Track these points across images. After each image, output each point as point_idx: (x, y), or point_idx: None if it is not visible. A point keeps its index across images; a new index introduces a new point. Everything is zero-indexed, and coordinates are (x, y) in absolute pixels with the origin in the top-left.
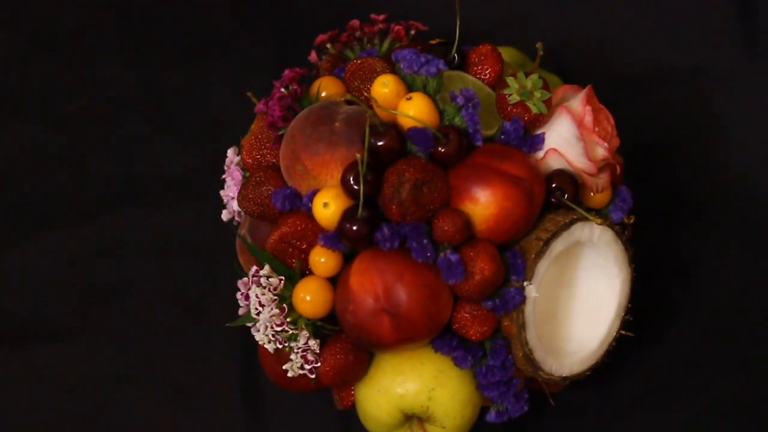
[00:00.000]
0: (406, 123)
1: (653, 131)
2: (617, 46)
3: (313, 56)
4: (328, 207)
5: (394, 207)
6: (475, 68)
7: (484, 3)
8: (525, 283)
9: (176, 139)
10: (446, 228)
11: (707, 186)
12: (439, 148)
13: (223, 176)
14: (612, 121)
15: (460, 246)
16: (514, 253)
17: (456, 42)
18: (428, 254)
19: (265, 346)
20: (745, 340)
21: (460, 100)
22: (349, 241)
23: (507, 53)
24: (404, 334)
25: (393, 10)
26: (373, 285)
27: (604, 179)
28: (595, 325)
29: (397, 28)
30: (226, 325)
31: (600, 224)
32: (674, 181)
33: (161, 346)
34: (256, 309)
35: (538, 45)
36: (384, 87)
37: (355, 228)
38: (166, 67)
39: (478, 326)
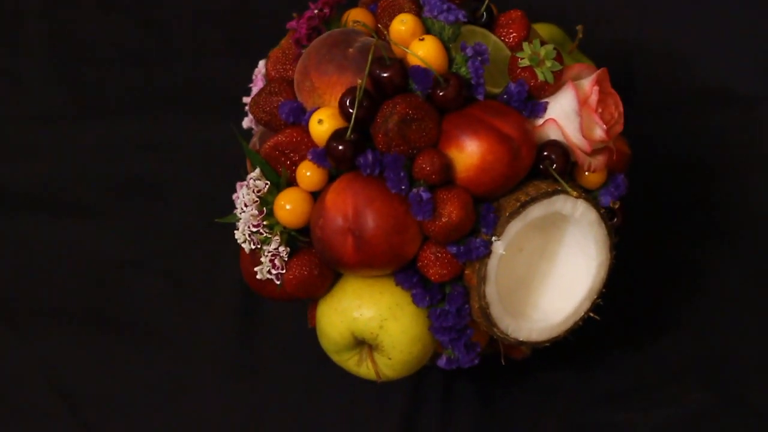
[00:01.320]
0: (414, 62)
1: (698, 150)
2: (683, 62)
3: None
4: (322, 124)
5: (380, 136)
6: (501, 30)
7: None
8: (493, 238)
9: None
10: (425, 166)
11: (736, 211)
12: (438, 92)
13: (250, 84)
14: (620, 108)
15: (437, 187)
16: (488, 207)
17: (486, 2)
18: (402, 187)
19: (242, 245)
20: (728, 358)
21: (470, 52)
22: (333, 159)
23: (547, 29)
24: (364, 257)
25: None
26: (345, 205)
27: (599, 161)
28: (563, 301)
29: None
30: (216, 220)
31: (576, 197)
32: (705, 200)
33: (177, 242)
34: (241, 209)
35: (578, 27)
36: (402, 24)
37: (341, 148)
38: None
39: (439, 268)
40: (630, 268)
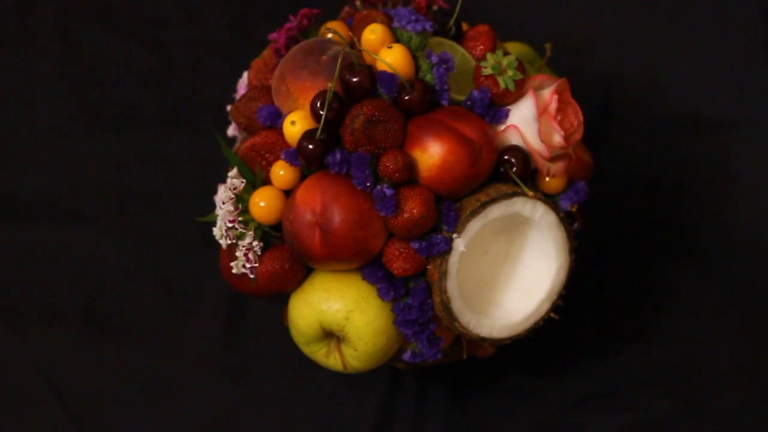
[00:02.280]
0: (382, 68)
1: (670, 172)
2: (658, 89)
3: (346, 9)
4: (294, 125)
5: (347, 136)
6: (469, 43)
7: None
8: (454, 235)
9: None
10: (388, 164)
11: (711, 229)
12: (404, 96)
13: (234, 94)
14: (580, 117)
15: (400, 185)
16: (449, 205)
17: (456, 15)
18: (367, 184)
19: (219, 240)
20: (692, 366)
21: (435, 59)
22: (304, 158)
23: (518, 47)
24: (330, 250)
25: None
26: (314, 200)
27: (558, 166)
28: (524, 301)
29: None
30: (197, 219)
31: (533, 197)
32: (675, 219)
33: (170, 250)
34: (219, 206)
35: (547, 45)
36: (372, 33)
37: (311, 147)
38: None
39: (402, 263)
40: (600, 280)
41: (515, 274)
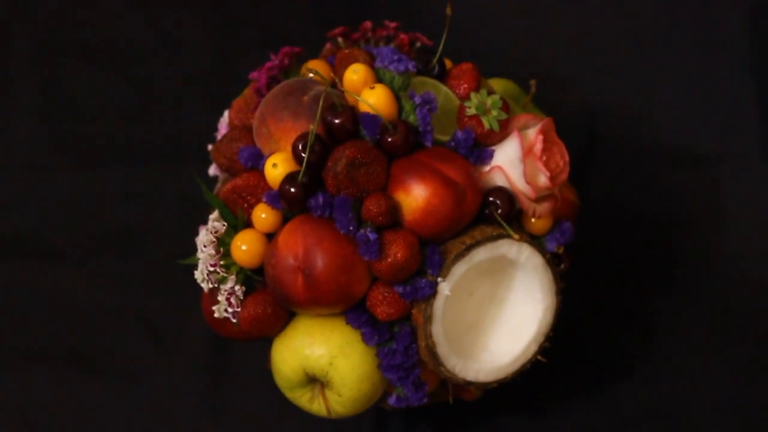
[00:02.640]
0: (365, 109)
1: (656, 206)
2: (644, 122)
3: (327, 46)
4: (276, 168)
5: (330, 179)
6: (452, 81)
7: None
8: (438, 279)
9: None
10: (372, 208)
11: (699, 264)
12: (387, 137)
13: (215, 133)
14: (566, 158)
15: (384, 229)
16: (434, 249)
17: (439, 53)
18: (350, 227)
19: (201, 284)
20: (680, 407)
21: (418, 100)
22: (286, 201)
23: (502, 84)
24: (313, 295)
25: (410, 21)
26: (296, 245)
27: (544, 207)
28: (511, 343)
29: (402, 36)
30: (178, 261)
31: (518, 240)
32: (662, 254)
33: (152, 288)
34: (201, 249)
35: (532, 82)
36: (354, 74)
37: (293, 190)
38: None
39: (387, 307)
40: (586, 318)
41: (501, 316)
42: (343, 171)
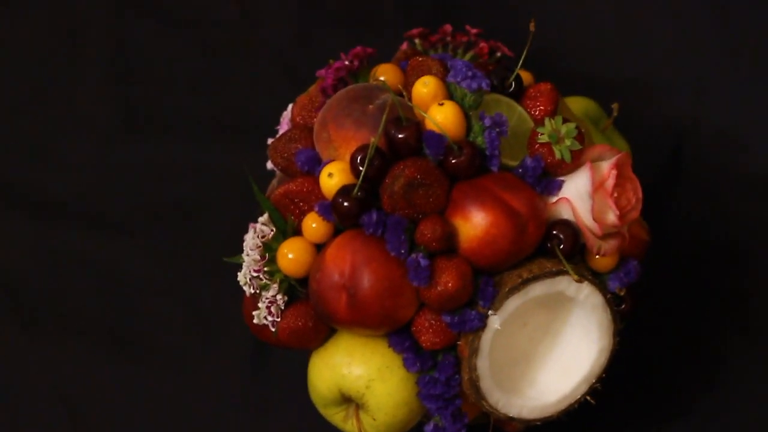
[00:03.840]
0: (430, 126)
1: (746, 239)
2: (737, 145)
3: (404, 46)
4: (332, 178)
5: (386, 197)
6: (528, 102)
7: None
8: (489, 312)
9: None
10: (426, 232)
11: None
12: (451, 159)
13: (277, 126)
14: (639, 194)
15: (437, 254)
16: (488, 280)
17: (516, 70)
18: (402, 251)
19: (243, 287)
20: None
21: (487, 122)
22: (338, 215)
23: (583, 103)
24: (356, 316)
25: (493, 28)
26: (344, 261)
27: (610, 245)
28: (561, 381)
29: (483, 44)
30: (224, 259)
31: (576, 280)
32: (748, 293)
33: (202, 269)
34: (246, 252)
35: (614, 106)
36: (424, 87)
37: (345, 204)
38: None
39: (432, 336)
40: (648, 352)
41: (554, 351)
42: (400, 191)
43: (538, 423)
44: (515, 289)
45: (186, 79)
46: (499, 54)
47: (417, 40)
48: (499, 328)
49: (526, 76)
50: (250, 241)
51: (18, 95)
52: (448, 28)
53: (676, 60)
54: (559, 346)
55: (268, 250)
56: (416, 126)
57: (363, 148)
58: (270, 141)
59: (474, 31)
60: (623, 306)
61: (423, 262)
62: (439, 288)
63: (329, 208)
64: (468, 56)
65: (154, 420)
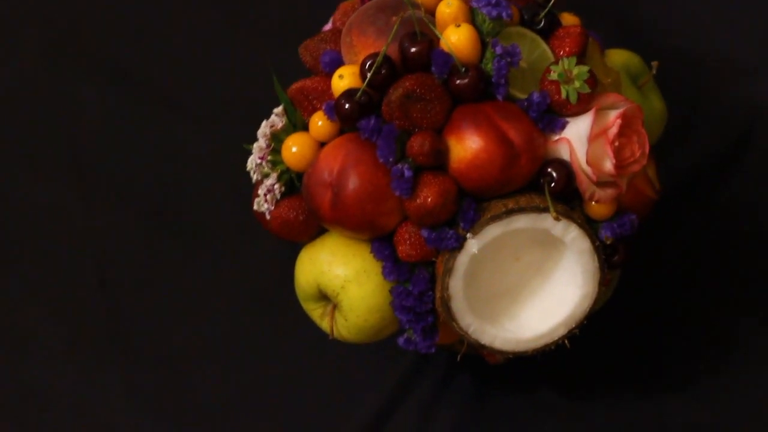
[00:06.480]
0: (444, 46)
1: None
2: None
3: None
4: (341, 80)
5: (384, 105)
6: (555, 41)
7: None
8: (468, 235)
9: None
10: (414, 145)
11: None
12: (455, 79)
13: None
14: (645, 149)
15: (426, 170)
16: (471, 203)
17: (548, 8)
18: (389, 158)
19: (249, 171)
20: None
21: (499, 50)
22: (339, 115)
23: (626, 56)
24: (337, 215)
25: None
26: (335, 160)
27: (606, 194)
28: (540, 320)
29: None
30: (244, 146)
31: (554, 217)
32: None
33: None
34: (257, 140)
35: (654, 63)
36: (447, 7)
37: (347, 106)
38: None
39: (408, 248)
40: (668, 319)
41: (542, 291)
42: (396, 101)
43: (510, 356)
44: (497, 218)
45: None
46: None
47: None
48: (476, 252)
49: (570, 19)
50: (262, 129)
51: None
52: None
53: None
54: (547, 287)
55: (276, 140)
56: (429, 43)
57: (373, 56)
58: None
59: None
60: (616, 257)
61: (407, 173)
62: (418, 201)
63: (332, 109)
64: None
65: (176, 286)
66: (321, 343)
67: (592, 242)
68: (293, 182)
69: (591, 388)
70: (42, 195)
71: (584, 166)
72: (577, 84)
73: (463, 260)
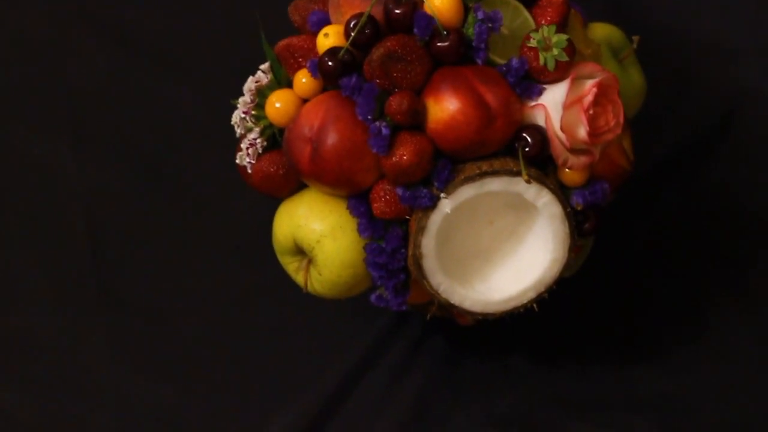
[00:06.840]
0: (427, 8)
1: None
2: None
3: None
4: (327, 38)
5: (366, 64)
6: (538, 10)
7: None
8: (441, 195)
9: None
10: (393, 103)
11: None
12: (436, 42)
13: None
14: (620, 119)
15: (404, 129)
16: (446, 164)
17: None
18: (368, 116)
19: (233, 126)
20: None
21: (480, 15)
22: (321, 72)
23: (607, 29)
24: (315, 169)
25: None
26: (315, 116)
27: (579, 160)
28: (510, 283)
29: None
30: (231, 102)
31: (525, 180)
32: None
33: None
34: (243, 94)
35: (635, 38)
36: None
37: (330, 64)
38: None
39: (383, 205)
40: (645, 291)
41: (513, 255)
42: (377, 60)
43: (480, 317)
44: (470, 179)
45: None
46: None
47: None
48: (448, 212)
49: None
50: (247, 84)
51: None
52: None
53: (753, 24)
54: (519, 251)
55: (260, 95)
56: (413, 5)
57: (358, 16)
58: None
59: None
60: (586, 225)
61: (384, 130)
62: (394, 159)
63: (315, 66)
64: None
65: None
66: (298, 299)
67: (564, 208)
68: (275, 137)
69: (561, 355)
70: (34, 146)
71: (559, 132)
72: (555, 52)
73: (435, 219)
